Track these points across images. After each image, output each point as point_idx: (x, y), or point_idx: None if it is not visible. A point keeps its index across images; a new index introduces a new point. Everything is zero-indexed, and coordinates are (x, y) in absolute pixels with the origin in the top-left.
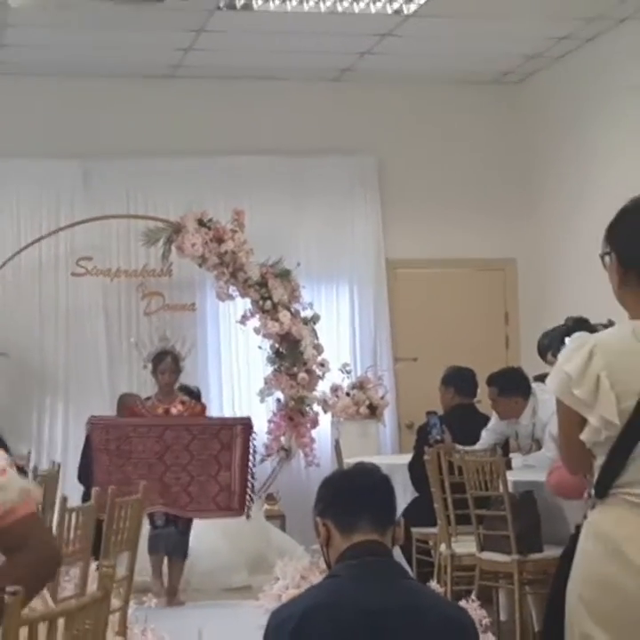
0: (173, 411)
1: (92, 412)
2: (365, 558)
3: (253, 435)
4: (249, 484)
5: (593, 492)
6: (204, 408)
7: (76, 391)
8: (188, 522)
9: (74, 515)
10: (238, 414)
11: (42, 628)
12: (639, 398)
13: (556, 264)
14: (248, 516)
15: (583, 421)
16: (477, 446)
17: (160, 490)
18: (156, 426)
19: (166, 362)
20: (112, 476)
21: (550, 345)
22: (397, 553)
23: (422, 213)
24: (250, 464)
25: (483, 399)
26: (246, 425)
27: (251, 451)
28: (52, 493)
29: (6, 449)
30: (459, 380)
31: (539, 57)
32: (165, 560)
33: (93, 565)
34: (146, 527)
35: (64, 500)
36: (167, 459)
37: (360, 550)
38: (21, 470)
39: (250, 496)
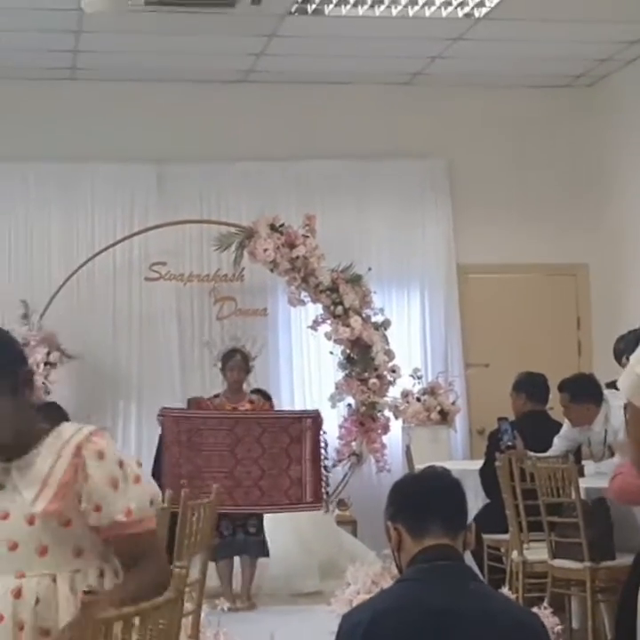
0: (241, 409)
1: None
2: (436, 562)
3: (323, 428)
4: (323, 477)
5: None
6: (271, 407)
7: (148, 395)
8: (260, 522)
9: None
10: None
11: (116, 628)
12: None
13: (629, 269)
14: (326, 510)
15: None
16: (549, 453)
17: (231, 485)
18: (227, 419)
19: (236, 359)
20: (183, 469)
21: (625, 348)
22: (469, 559)
23: (494, 217)
24: (322, 456)
25: (555, 406)
26: (315, 418)
27: (321, 444)
28: None
29: None
30: (530, 387)
31: (610, 60)
32: (237, 565)
33: None
34: None
35: None
36: (238, 452)
37: (431, 554)
38: None
39: (325, 490)
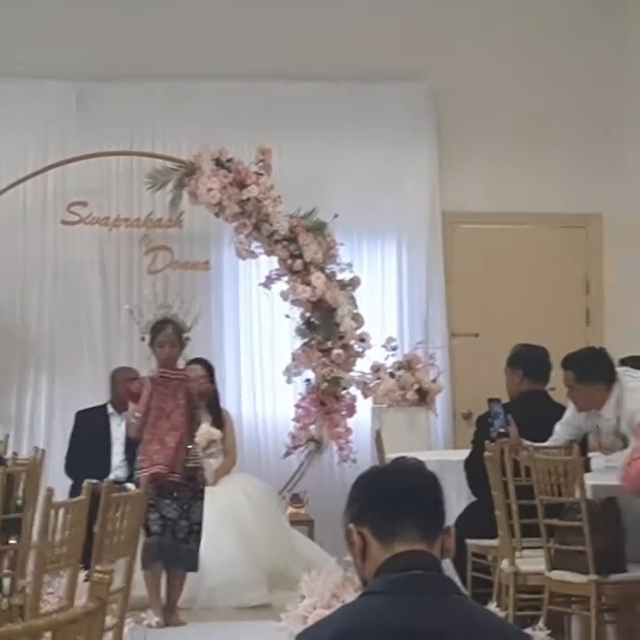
0: None
1: (82, 389)
2: (409, 572)
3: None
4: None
5: None
6: (213, 381)
7: (64, 364)
8: (190, 526)
9: (61, 511)
10: (259, 396)
11: None
12: None
13: None
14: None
15: None
16: (549, 442)
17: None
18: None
19: (166, 332)
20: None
21: None
22: (449, 569)
23: (488, 156)
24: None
25: (557, 385)
26: (181, 380)
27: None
28: (34, 486)
29: None
30: (528, 362)
31: None
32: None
33: (81, 575)
34: None
35: (50, 493)
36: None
37: (402, 563)
38: None
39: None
